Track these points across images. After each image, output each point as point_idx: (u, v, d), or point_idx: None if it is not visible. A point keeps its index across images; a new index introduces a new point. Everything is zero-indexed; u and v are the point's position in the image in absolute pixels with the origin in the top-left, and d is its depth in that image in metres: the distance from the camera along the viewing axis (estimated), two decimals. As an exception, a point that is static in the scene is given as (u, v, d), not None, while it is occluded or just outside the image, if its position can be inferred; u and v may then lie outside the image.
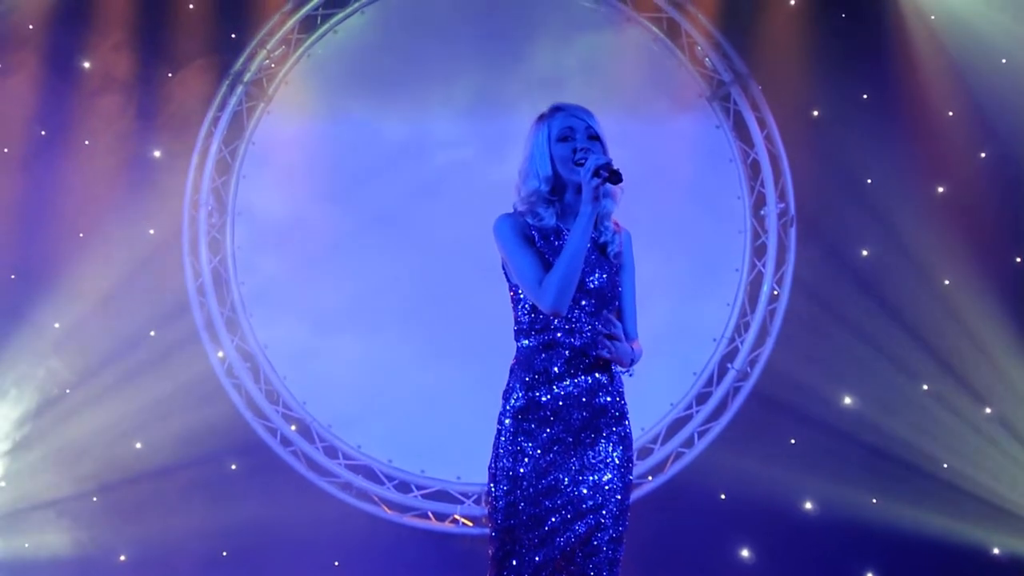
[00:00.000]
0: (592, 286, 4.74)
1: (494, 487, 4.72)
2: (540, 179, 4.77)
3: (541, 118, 4.87)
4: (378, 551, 10.01)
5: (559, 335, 4.72)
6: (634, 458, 4.88)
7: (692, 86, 10.44)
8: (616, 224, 4.90)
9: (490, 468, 4.75)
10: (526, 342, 4.77)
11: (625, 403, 4.82)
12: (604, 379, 4.77)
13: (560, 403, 4.70)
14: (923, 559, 9.87)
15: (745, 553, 10.10)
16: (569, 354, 4.72)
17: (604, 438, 4.74)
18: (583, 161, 4.62)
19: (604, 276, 4.77)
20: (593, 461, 4.72)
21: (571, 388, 4.71)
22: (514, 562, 4.64)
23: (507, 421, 4.73)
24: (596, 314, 4.75)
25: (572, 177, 4.73)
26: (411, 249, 10.19)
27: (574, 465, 4.70)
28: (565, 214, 4.81)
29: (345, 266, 10.25)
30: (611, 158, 4.63)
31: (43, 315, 9.95)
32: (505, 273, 4.85)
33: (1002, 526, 9.98)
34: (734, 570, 10.08)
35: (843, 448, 10.00)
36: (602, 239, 4.82)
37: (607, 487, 4.71)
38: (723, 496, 10.12)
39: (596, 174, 4.55)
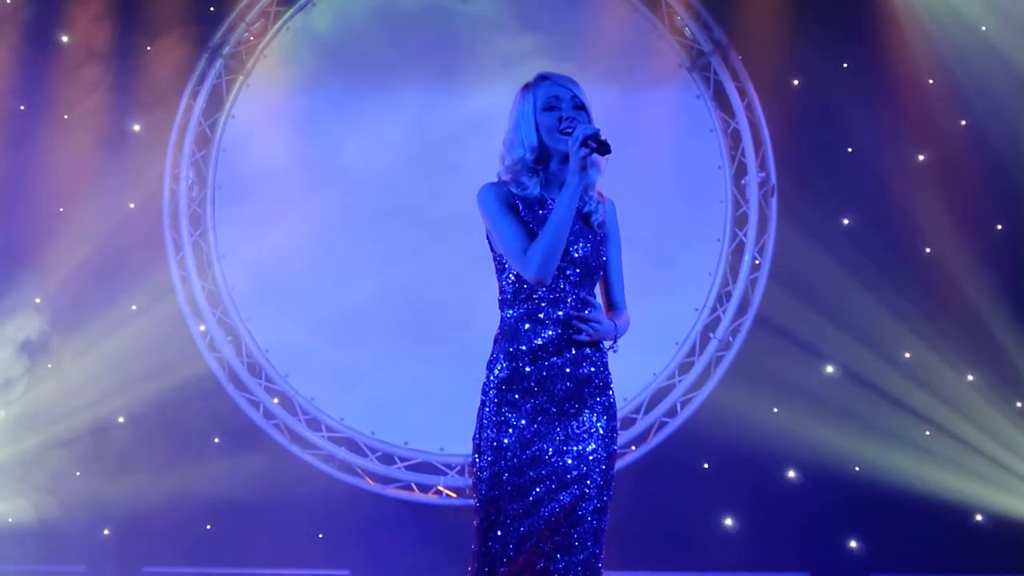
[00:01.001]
0: (577, 255, 4.73)
1: (478, 458, 4.71)
2: (525, 148, 4.75)
3: (526, 87, 4.85)
4: (361, 523, 10.00)
5: (543, 304, 4.71)
6: (618, 428, 4.89)
7: (672, 56, 10.42)
8: (600, 194, 4.89)
9: (474, 439, 4.75)
10: (510, 312, 4.76)
11: (609, 373, 4.82)
12: (588, 350, 4.76)
13: (544, 373, 4.69)
14: (906, 526, 9.93)
15: (729, 522, 10.13)
16: (553, 325, 4.72)
17: (588, 408, 4.74)
18: (569, 130, 4.62)
19: (588, 246, 4.76)
20: (577, 431, 4.71)
21: (555, 359, 4.71)
22: (499, 532, 4.64)
23: (491, 392, 4.72)
24: (581, 284, 4.75)
25: (557, 146, 4.72)
26: (394, 221, 10.16)
27: (558, 435, 4.69)
28: (549, 183, 4.80)
29: (327, 239, 10.22)
30: (599, 128, 4.61)
31: (23, 290, 9.92)
32: (489, 242, 4.84)
33: (984, 492, 10.03)
34: (718, 539, 10.10)
35: (825, 416, 10.01)
36: (586, 208, 4.81)
37: (591, 457, 4.69)
38: (706, 465, 10.15)
39: (584, 144, 4.54)
